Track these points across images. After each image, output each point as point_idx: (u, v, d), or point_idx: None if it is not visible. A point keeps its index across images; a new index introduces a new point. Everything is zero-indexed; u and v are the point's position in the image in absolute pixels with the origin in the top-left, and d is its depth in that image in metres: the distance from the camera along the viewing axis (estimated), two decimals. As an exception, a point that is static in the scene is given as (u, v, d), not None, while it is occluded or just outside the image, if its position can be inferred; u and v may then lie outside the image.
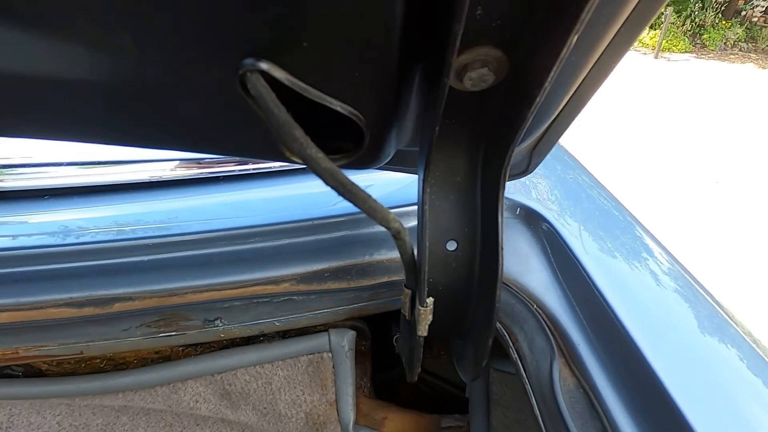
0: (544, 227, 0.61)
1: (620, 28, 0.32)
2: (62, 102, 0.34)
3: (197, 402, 0.58)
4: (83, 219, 0.63)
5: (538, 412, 0.45)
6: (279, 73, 0.30)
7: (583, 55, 0.34)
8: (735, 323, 0.49)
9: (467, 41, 0.29)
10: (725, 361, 0.44)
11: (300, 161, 0.32)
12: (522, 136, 0.37)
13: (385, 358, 0.73)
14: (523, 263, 0.60)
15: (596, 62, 0.35)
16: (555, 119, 0.46)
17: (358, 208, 0.35)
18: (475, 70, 0.34)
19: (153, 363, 0.59)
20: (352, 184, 0.33)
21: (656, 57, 8.54)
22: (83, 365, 0.61)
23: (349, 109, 0.35)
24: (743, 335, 0.47)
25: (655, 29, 9.06)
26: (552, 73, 0.29)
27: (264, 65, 0.29)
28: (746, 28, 9.27)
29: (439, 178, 0.47)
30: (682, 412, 0.38)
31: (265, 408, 0.58)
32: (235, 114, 0.36)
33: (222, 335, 0.55)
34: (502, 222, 0.43)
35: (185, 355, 0.59)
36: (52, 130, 0.36)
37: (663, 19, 8.44)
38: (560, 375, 0.47)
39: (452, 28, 0.24)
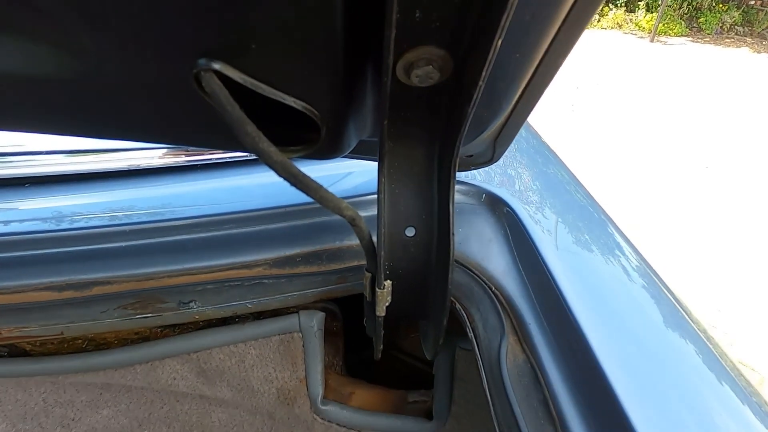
0: (506, 212, 0.64)
1: (561, 26, 0.34)
2: (27, 96, 0.35)
3: (175, 379, 0.62)
4: (62, 206, 0.65)
5: (485, 384, 0.49)
6: (232, 72, 0.32)
7: (529, 53, 0.36)
8: (690, 320, 0.52)
9: (412, 40, 0.32)
10: (666, 350, 0.47)
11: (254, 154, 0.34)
12: (465, 130, 0.40)
13: (360, 339, 0.76)
14: (485, 248, 0.63)
15: (543, 59, 0.37)
16: (513, 111, 0.48)
17: (311, 197, 0.38)
18: (421, 68, 0.36)
19: (132, 344, 0.62)
20: (304, 175, 0.36)
21: (652, 41, 8.49)
22: (66, 346, 0.64)
23: (302, 104, 0.37)
24: (695, 330, 0.50)
25: (651, 12, 8.98)
26: (484, 73, 0.31)
27: (217, 65, 0.31)
28: (743, 11, 9.20)
29: (399, 168, 0.50)
30: (614, 389, 0.41)
31: (239, 384, 0.61)
32: (196, 109, 0.38)
33: (197, 317, 0.58)
34: (452, 211, 0.46)
35: (163, 336, 0.62)
36: (16, 121, 0.38)
37: (660, 2, 8.36)
38: (510, 351, 0.50)
39: (385, 32, 0.26)
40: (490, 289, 0.58)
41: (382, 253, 0.48)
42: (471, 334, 0.55)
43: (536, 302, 0.56)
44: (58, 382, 0.64)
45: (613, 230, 0.64)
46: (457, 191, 0.69)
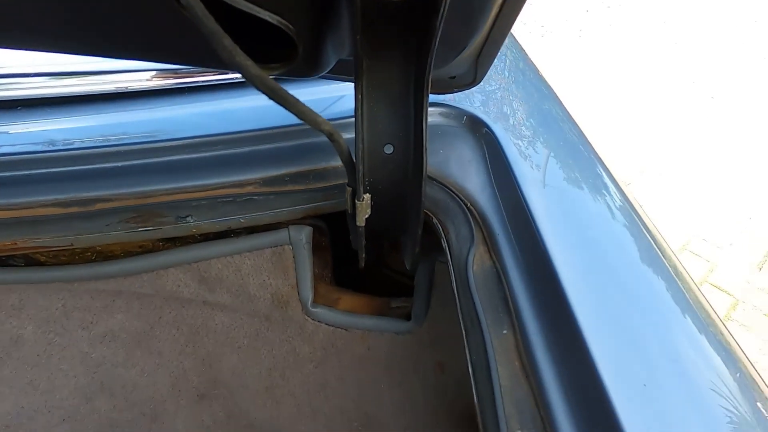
0: (485, 133, 0.66)
1: None
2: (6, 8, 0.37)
3: (179, 287, 0.68)
4: (56, 129, 0.68)
5: (454, 285, 0.55)
6: None
7: None
8: (663, 255, 0.54)
9: None
10: (628, 274, 0.51)
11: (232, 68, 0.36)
12: (436, 45, 0.41)
13: (347, 256, 0.82)
14: (464, 168, 0.66)
15: None
16: (491, 29, 0.49)
17: (289, 111, 0.41)
18: None
19: (137, 255, 0.68)
20: (281, 89, 0.38)
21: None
22: (76, 258, 0.70)
23: (277, 18, 0.39)
24: (667, 266, 0.52)
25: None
26: None
27: None
28: None
29: (376, 87, 0.52)
30: (566, 292, 0.46)
31: (237, 291, 0.68)
32: (175, 23, 0.39)
33: (194, 231, 0.64)
34: (426, 128, 0.49)
35: (165, 248, 0.68)
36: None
37: None
38: (478, 257, 0.56)
39: None
40: (465, 205, 0.62)
41: (361, 167, 0.51)
42: (445, 245, 0.60)
43: (506, 216, 0.60)
44: (73, 290, 0.71)
45: (602, 170, 0.66)
46: (439, 114, 0.71)
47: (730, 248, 3.02)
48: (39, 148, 0.63)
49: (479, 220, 0.61)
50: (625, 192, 0.65)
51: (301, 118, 0.41)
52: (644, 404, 0.40)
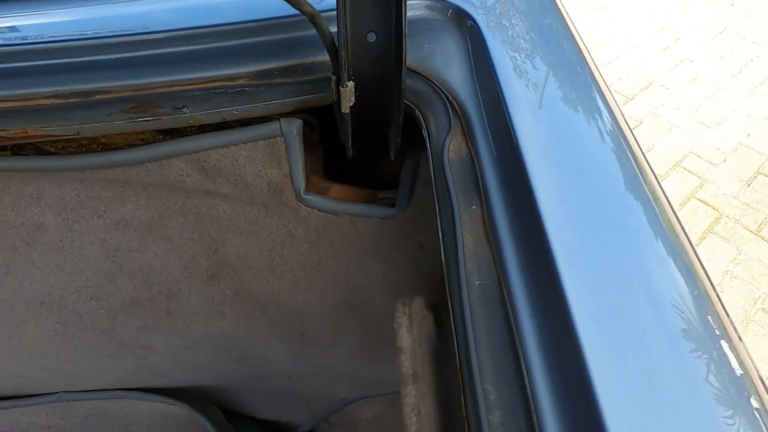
0: (469, 25, 0.67)
1: None
2: None
3: (182, 176, 0.74)
4: (42, 22, 0.69)
5: (431, 167, 0.60)
6: None
7: None
8: (644, 178, 0.54)
9: None
10: (603, 187, 0.52)
11: None
12: None
13: (338, 153, 0.87)
14: (448, 62, 0.68)
15: None
16: None
17: None
18: None
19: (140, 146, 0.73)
20: None
21: None
22: (84, 150, 0.75)
23: None
24: (647, 192, 0.52)
25: None
26: None
27: None
28: None
29: None
30: (530, 176, 0.51)
31: (235, 180, 0.74)
32: None
33: (191, 121, 0.68)
34: (404, 15, 0.51)
35: (165, 140, 0.73)
36: None
37: None
38: (455, 142, 0.61)
39: None
40: (447, 97, 0.66)
41: (344, 53, 0.54)
42: (425, 134, 0.65)
43: (483, 109, 0.64)
44: (85, 180, 0.77)
45: (600, 100, 0.65)
46: (425, 7, 0.71)
47: (724, 164, 3.06)
48: (35, 39, 0.65)
49: (459, 110, 0.64)
50: (614, 109, 0.65)
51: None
52: (592, 284, 0.44)
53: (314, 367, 1.08)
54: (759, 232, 2.67)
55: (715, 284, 0.50)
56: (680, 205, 2.78)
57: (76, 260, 0.89)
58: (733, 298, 2.43)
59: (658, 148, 3.06)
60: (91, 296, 0.95)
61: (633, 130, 0.66)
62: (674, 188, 2.86)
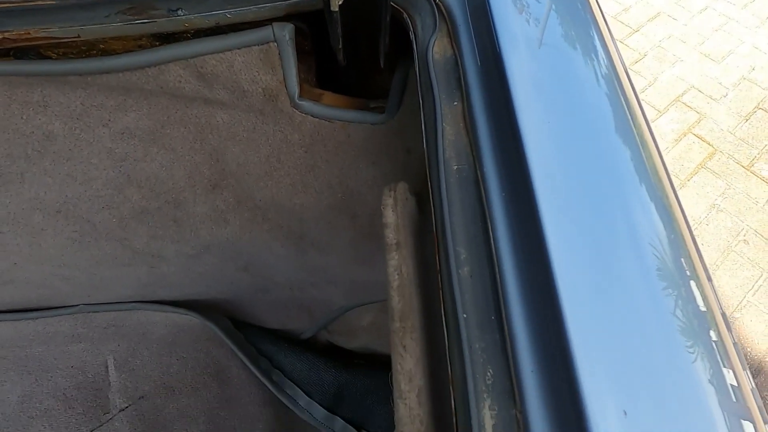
0: None
1: None
2: None
3: (180, 83, 0.78)
4: None
5: (416, 66, 0.64)
6: None
7: None
8: (635, 127, 0.55)
9: None
10: (589, 128, 0.54)
11: None
12: None
13: (331, 64, 0.89)
14: None
15: None
16: None
17: None
18: None
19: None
20: None
21: None
22: (84, 56, 0.78)
23: None
24: (635, 137, 0.53)
25: None
26: None
27: None
28: None
29: None
30: (509, 82, 0.54)
31: (232, 86, 0.78)
32: None
33: (186, 25, 0.70)
34: None
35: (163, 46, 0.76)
36: None
37: None
38: (439, 43, 0.64)
39: None
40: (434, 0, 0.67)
41: None
42: (412, 36, 0.68)
43: (468, 10, 0.66)
44: (87, 87, 0.80)
45: (597, 39, 0.65)
46: None
47: (724, 99, 3.03)
48: None
49: (445, 13, 0.67)
50: (613, 54, 0.65)
51: None
52: (554, 165, 0.49)
53: (313, 274, 1.18)
54: (750, 167, 2.71)
55: (692, 228, 0.52)
56: (675, 141, 2.80)
57: (86, 170, 0.95)
58: (717, 230, 2.52)
59: (660, 81, 3.01)
60: (103, 206, 1.02)
61: (625, 63, 0.65)
62: (672, 123, 2.85)
